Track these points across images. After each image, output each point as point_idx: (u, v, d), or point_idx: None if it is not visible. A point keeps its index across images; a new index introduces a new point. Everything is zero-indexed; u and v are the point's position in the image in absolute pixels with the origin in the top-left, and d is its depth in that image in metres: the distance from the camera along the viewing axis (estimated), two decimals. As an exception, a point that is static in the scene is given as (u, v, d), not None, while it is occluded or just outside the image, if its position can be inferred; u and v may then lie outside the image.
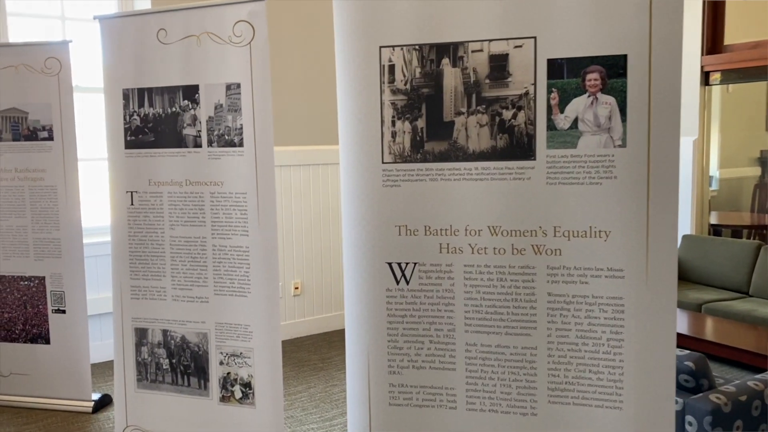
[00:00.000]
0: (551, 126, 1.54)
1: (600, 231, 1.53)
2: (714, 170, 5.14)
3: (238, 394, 2.49)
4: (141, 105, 2.52)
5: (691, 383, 2.18)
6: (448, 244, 1.62)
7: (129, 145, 2.55)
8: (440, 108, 1.59)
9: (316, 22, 4.10)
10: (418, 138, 1.61)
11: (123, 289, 2.60)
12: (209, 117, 2.43)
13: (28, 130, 3.08)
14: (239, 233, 2.43)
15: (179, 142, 2.47)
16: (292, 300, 4.20)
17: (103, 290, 3.59)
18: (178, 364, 2.57)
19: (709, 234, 4.96)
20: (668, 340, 1.52)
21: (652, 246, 1.51)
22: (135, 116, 2.53)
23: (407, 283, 1.64)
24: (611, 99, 1.51)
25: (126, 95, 2.54)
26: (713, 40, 4.72)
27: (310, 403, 3.20)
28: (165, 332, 2.57)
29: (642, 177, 1.50)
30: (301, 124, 4.12)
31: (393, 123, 1.62)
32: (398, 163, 1.63)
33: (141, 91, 2.51)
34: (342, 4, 1.63)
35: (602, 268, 1.54)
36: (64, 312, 3.13)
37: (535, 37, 1.53)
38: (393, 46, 1.60)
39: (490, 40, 1.55)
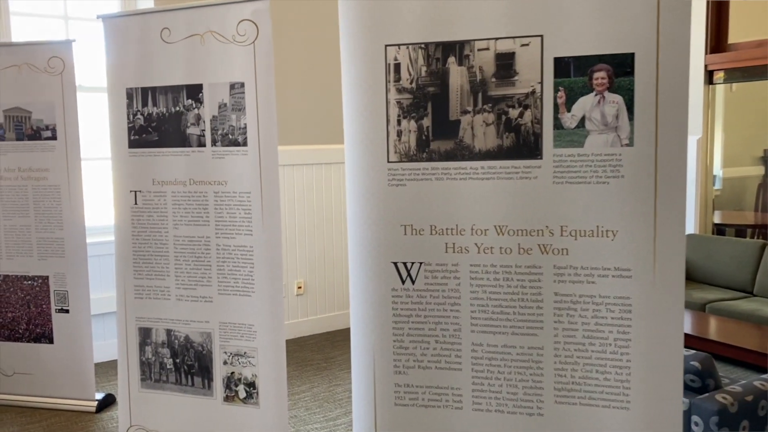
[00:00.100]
0: (558, 125, 1.53)
1: (607, 230, 1.52)
2: (717, 169, 5.13)
3: (242, 394, 2.49)
4: (144, 104, 2.51)
5: (697, 383, 2.17)
6: (454, 244, 1.61)
7: (133, 144, 2.54)
8: (446, 107, 1.59)
9: (320, 21, 4.10)
10: (423, 137, 1.61)
11: (127, 289, 2.60)
12: (213, 116, 2.42)
13: (32, 130, 3.08)
14: (243, 233, 2.42)
15: (183, 141, 2.47)
16: (295, 299, 4.20)
17: (107, 290, 3.59)
18: (182, 363, 2.57)
19: (713, 233, 4.95)
20: (676, 340, 1.52)
21: (660, 245, 1.50)
22: (138, 115, 2.53)
23: (413, 282, 1.64)
24: (618, 98, 1.50)
25: (129, 94, 2.53)
26: (717, 38, 4.70)
27: (313, 403, 3.20)
28: (169, 332, 2.57)
29: (649, 176, 1.49)
30: (305, 123, 4.12)
31: (398, 122, 1.61)
32: (404, 162, 1.62)
33: (144, 91, 2.51)
34: (348, 2, 1.62)
35: (609, 268, 1.53)
36: (67, 311, 3.12)
37: (541, 36, 1.52)
38: (399, 45, 1.59)
39: (497, 39, 1.54)
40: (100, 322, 3.65)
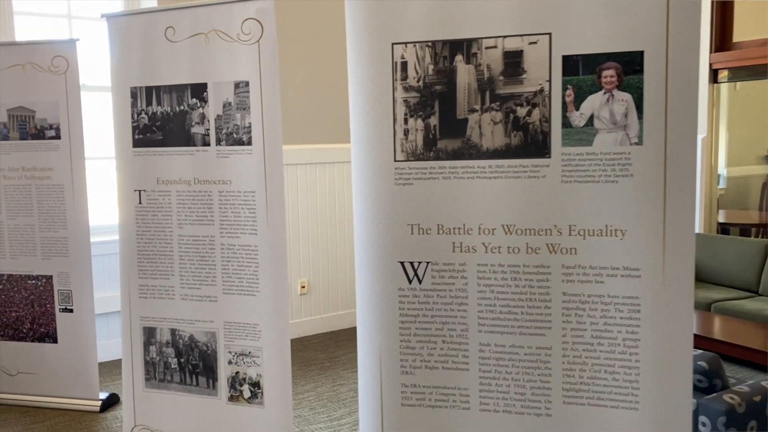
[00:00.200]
0: (566, 123, 1.52)
1: (616, 230, 1.51)
2: (722, 168, 5.11)
3: (247, 394, 2.48)
4: (149, 103, 2.51)
5: (705, 383, 2.16)
6: (461, 243, 1.60)
7: (137, 143, 2.54)
8: (453, 105, 1.58)
9: (325, 19, 4.09)
10: (430, 136, 1.60)
11: (131, 288, 2.59)
12: (217, 115, 2.41)
13: (36, 129, 3.07)
14: (248, 232, 2.41)
15: (187, 140, 2.46)
16: (299, 299, 4.19)
17: (110, 289, 3.58)
18: (187, 363, 2.56)
19: (718, 233, 4.93)
20: (685, 340, 1.51)
21: (669, 245, 1.49)
22: (143, 114, 2.52)
23: (420, 282, 1.63)
24: (627, 96, 1.49)
25: (134, 93, 2.53)
26: (722, 37, 4.68)
27: (317, 403, 3.19)
28: (173, 331, 2.56)
29: (659, 175, 1.48)
30: (309, 122, 4.11)
31: (405, 121, 1.60)
32: (411, 161, 1.61)
33: (149, 90, 2.50)
34: (354, 1, 1.61)
35: (618, 268, 1.52)
36: (71, 311, 3.12)
37: (550, 33, 1.51)
38: (405, 43, 1.58)
39: (505, 37, 1.53)
40: (104, 322, 3.65)
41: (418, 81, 1.59)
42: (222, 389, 2.52)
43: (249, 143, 2.38)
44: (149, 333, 2.59)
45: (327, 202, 4.24)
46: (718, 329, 3.76)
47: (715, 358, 2.20)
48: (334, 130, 4.17)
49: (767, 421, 2.11)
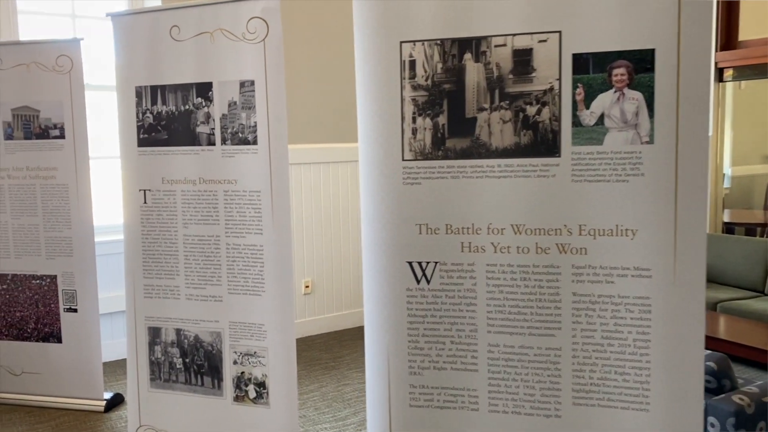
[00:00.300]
0: (576, 122, 1.51)
1: (627, 229, 1.50)
2: (726, 168, 5.09)
3: (252, 394, 2.48)
4: (154, 102, 2.50)
5: (713, 384, 2.15)
6: (470, 243, 1.59)
7: (142, 143, 2.53)
8: (462, 104, 1.56)
9: (330, 18, 4.08)
10: (439, 135, 1.59)
11: (136, 288, 2.58)
12: (223, 114, 2.40)
13: (40, 129, 3.07)
14: (253, 232, 2.41)
15: (193, 140, 2.45)
16: (303, 299, 4.18)
17: (114, 288, 3.58)
18: (192, 363, 2.55)
19: (723, 232, 4.91)
20: (696, 340, 1.49)
21: (680, 245, 1.47)
22: (148, 114, 2.51)
23: (428, 282, 1.62)
24: (638, 94, 1.47)
25: (139, 93, 2.52)
26: (727, 36, 4.66)
27: (322, 403, 3.18)
28: (178, 331, 2.55)
29: (670, 174, 1.47)
30: (312, 121, 4.10)
31: (413, 119, 1.59)
32: (419, 160, 1.60)
33: (154, 89, 2.49)
34: (362, -1, 1.60)
35: (629, 268, 1.51)
36: (75, 311, 3.12)
37: (560, 32, 1.50)
38: (414, 41, 1.57)
39: (514, 35, 1.52)
40: (108, 322, 3.64)
41: (426, 79, 1.57)
42: (227, 389, 2.51)
43: (254, 142, 2.37)
44: (154, 333, 2.59)
45: (331, 202, 4.23)
46: (723, 329, 3.74)
47: (724, 359, 2.18)
48: (338, 130, 4.16)
49: (777, 422, 2.10)
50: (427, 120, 1.58)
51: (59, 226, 3.08)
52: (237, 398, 2.50)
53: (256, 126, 2.36)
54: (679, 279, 1.48)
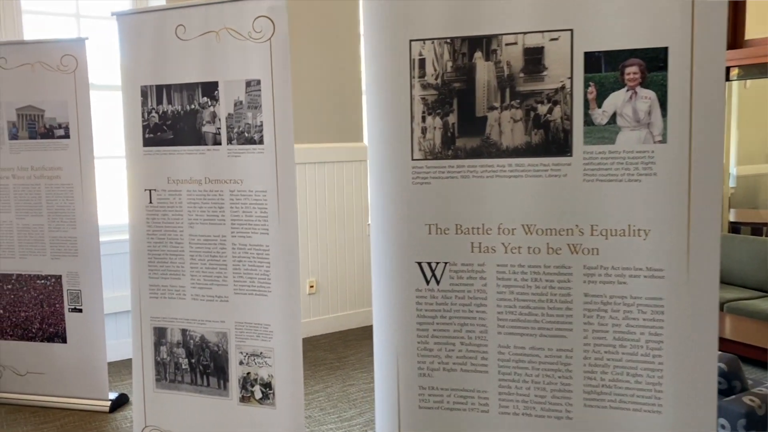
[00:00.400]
0: (588, 121, 1.49)
1: (639, 230, 1.48)
2: (731, 167, 5.06)
3: (258, 395, 2.46)
4: (159, 102, 2.49)
5: (723, 385, 2.13)
6: (480, 244, 1.57)
7: (147, 142, 2.52)
8: (472, 103, 1.55)
9: (334, 17, 4.06)
10: (449, 134, 1.57)
11: (141, 288, 2.57)
12: (229, 114, 2.39)
13: (45, 128, 3.06)
14: (259, 231, 2.39)
15: (198, 139, 2.44)
16: (307, 299, 4.17)
17: (119, 288, 3.57)
18: (198, 364, 2.54)
19: (729, 232, 4.88)
20: (709, 342, 1.48)
21: (694, 245, 1.46)
22: (153, 113, 2.50)
23: (438, 283, 1.60)
24: (651, 93, 1.46)
25: (144, 92, 2.51)
26: (734, 34, 4.64)
27: (327, 403, 3.17)
28: (184, 332, 2.54)
29: (683, 174, 1.45)
30: (317, 121, 4.09)
31: (423, 119, 1.58)
32: (428, 159, 1.59)
33: (159, 88, 2.48)
34: (371, -3, 1.59)
35: (641, 268, 1.49)
36: (80, 311, 3.11)
37: (571, 30, 1.48)
38: (424, 40, 1.55)
39: (525, 33, 1.50)
40: (113, 321, 3.64)
41: (436, 78, 1.56)
42: (233, 390, 2.50)
43: (260, 142, 2.35)
44: (160, 333, 2.58)
45: (336, 202, 4.22)
46: (730, 329, 3.72)
47: (734, 360, 2.16)
48: (341, 129, 4.15)
49: (788, 424, 2.08)
50: (437, 119, 1.57)
51: (64, 225, 3.08)
52: (243, 399, 2.49)
53: (262, 125, 2.35)
54: (693, 279, 1.46)
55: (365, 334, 4.22)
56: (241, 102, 2.37)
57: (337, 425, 2.93)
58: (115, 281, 3.57)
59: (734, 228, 4.97)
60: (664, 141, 1.46)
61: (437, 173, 1.58)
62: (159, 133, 2.50)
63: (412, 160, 1.59)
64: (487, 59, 1.53)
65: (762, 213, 5.35)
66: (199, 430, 2.55)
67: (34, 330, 3.17)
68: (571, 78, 1.49)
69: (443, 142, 1.57)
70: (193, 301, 2.51)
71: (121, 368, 3.56)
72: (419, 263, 1.61)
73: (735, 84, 4.82)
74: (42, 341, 3.15)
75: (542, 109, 1.51)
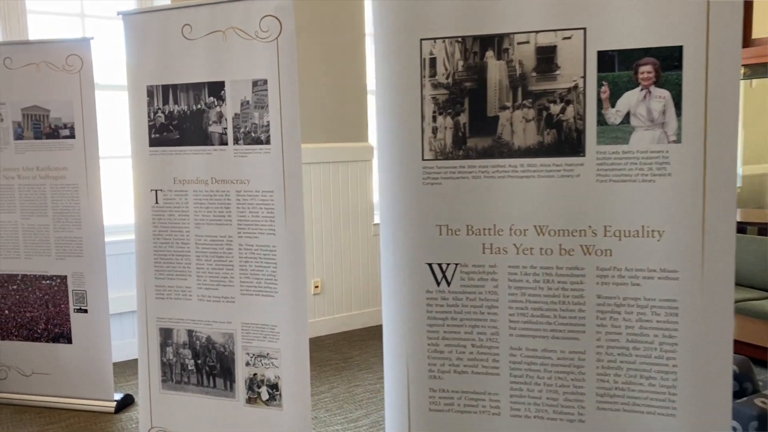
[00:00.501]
0: (602, 121, 1.48)
1: (653, 230, 1.47)
2: (738, 167, 5.03)
3: (265, 396, 2.45)
4: (165, 102, 2.47)
5: (735, 387, 2.11)
6: (491, 245, 1.56)
7: (153, 142, 2.51)
8: (484, 102, 1.53)
9: (341, 17, 4.05)
10: (460, 134, 1.55)
11: (147, 289, 2.56)
12: (235, 114, 2.38)
13: (50, 128, 3.05)
14: (266, 232, 2.38)
15: (205, 139, 2.43)
16: (312, 299, 4.16)
17: (124, 289, 3.56)
18: (204, 365, 2.53)
19: (736, 232, 4.85)
20: (724, 344, 1.46)
21: (708, 246, 1.44)
22: (159, 113, 2.49)
23: (448, 284, 1.59)
24: (665, 92, 1.44)
25: (150, 92, 2.50)
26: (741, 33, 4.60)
27: (333, 404, 3.16)
28: (190, 332, 2.53)
29: (698, 174, 1.43)
30: (323, 121, 4.07)
31: (434, 118, 1.56)
32: (439, 160, 1.57)
33: (165, 88, 2.47)
34: (381, -5, 1.57)
35: (655, 269, 1.47)
36: (86, 311, 3.10)
37: (584, 28, 1.46)
38: (434, 39, 1.54)
39: (537, 32, 1.49)
40: (117, 322, 3.63)
41: (447, 78, 1.54)
42: (240, 391, 2.49)
43: (267, 142, 2.34)
44: (166, 334, 2.57)
45: (340, 201, 4.21)
46: (737, 330, 3.70)
47: (746, 361, 2.15)
48: (345, 129, 4.14)
49: (800, 426, 2.06)
50: (448, 119, 1.55)
51: (69, 226, 3.07)
52: (249, 400, 2.48)
53: (268, 125, 2.33)
54: (707, 281, 1.45)
55: (370, 334, 4.20)
56: (247, 102, 2.36)
57: (344, 426, 2.92)
58: (119, 281, 3.56)
59: (740, 228, 4.94)
60: (678, 141, 1.44)
61: (448, 173, 1.57)
62: (165, 133, 2.49)
63: (423, 160, 1.58)
64: (499, 58, 1.51)
65: (767, 213, 5.32)
66: (205, 431, 2.54)
67: (39, 330, 3.16)
68: (584, 77, 1.47)
69: (454, 142, 1.56)
70: (200, 302, 2.50)
71: (125, 369, 3.55)
72: (430, 264, 1.59)
73: (741, 83, 4.79)
74: (47, 342, 3.15)
75: (555, 108, 1.49)
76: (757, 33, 4.58)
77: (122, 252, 3.53)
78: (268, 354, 2.43)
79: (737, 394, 2.11)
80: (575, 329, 1.53)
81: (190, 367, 2.55)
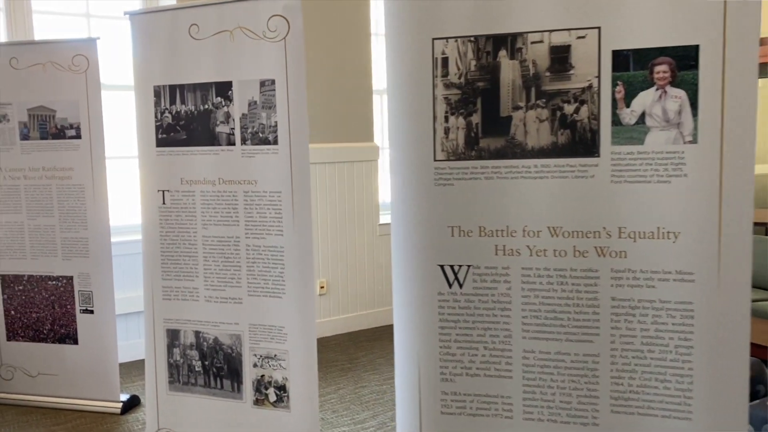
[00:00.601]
0: (616, 121, 1.46)
1: (668, 232, 1.45)
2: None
3: (273, 397, 2.44)
4: (173, 102, 2.46)
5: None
6: (504, 246, 1.54)
7: (160, 143, 2.50)
8: (497, 102, 1.52)
9: (346, 16, 4.04)
10: (472, 134, 1.54)
11: (154, 290, 2.55)
12: (243, 114, 2.37)
13: (56, 129, 3.04)
14: (273, 233, 2.37)
15: (212, 140, 2.42)
16: (318, 299, 4.15)
17: (130, 289, 3.56)
18: (211, 366, 2.52)
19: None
20: (741, 347, 1.44)
21: (725, 248, 1.42)
22: (166, 114, 2.48)
23: (460, 286, 1.57)
24: (681, 92, 1.42)
25: (157, 92, 2.48)
26: (748, 32, 4.58)
27: (340, 405, 3.14)
28: (197, 334, 2.52)
29: (714, 175, 1.41)
30: (328, 120, 4.06)
31: (446, 119, 1.55)
32: (451, 160, 1.56)
33: (173, 88, 2.46)
34: (392, -6, 1.56)
35: (670, 272, 1.46)
36: (92, 312, 3.09)
37: (599, 27, 1.45)
38: (447, 38, 1.52)
39: (551, 31, 1.47)
40: (123, 322, 3.62)
41: (459, 77, 1.53)
42: (247, 393, 2.48)
43: (275, 142, 2.33)
44: (173, 335, 2.56)
45: (346, 202, 4.20)
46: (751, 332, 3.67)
47: (758, 363, 2.13)
48: (353, 129, 4.13)
49: (813, 429, 2.04)
50: (460, 119, 1.54)
51: (75, 226, 3.06)
52: (257, 402, 2.46)
53: (276, 126, 2.32)
54: (723, 283, 1.43)
55: (376, 335, 4.19)
56: (255, 102, 2.35)
57: (351, 428, 2.91)
58: (124, 282, 3.56)
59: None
60: (694, 141, 1.42)
61: (460, 174, 1.55)
62: (172, 134, 2.48)
63: (435, 161, 1.56)
64: (512, 58, 1.50)
65: (774, 213, 5.29)
66: (213, 433, 2.53)
67: (45, 331, 3.15)
68: (598, 77, 1.46)
69: (467, 143, 1.54)
70: (207, 303, 2.49)
71: (131, 369, 3.54)
72: (442, 266, 1.58)
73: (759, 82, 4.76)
74: (53, 342, 3.14)
75: (569, 108, 1.47)
76: (764, 32, 4.56)
77: (128, 252, 3.52)
78: (275, 355, 2.42)
79: (749, 397, 2.09)
80: (589, 332, 1.51)
81: (197, 369, 2.54)
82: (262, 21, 2.29)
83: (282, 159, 2.32)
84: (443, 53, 1.53)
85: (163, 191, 2.51)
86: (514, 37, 1.49)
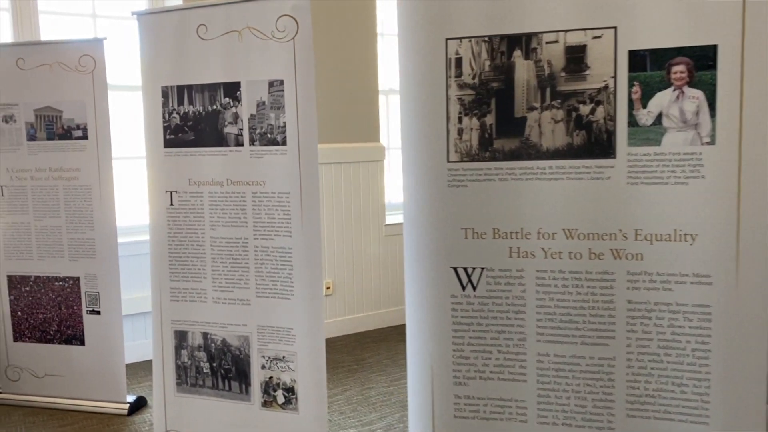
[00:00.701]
0: (633, 122, 1.44)
1: (686, 234, 1.43)
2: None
3: (281, 399, 2.43)
4: (180, 103, 2.45)
5: (761, 393, 2.07)
6: (518, 248, 1.53)
7: (168, 144, 2.49)
8: (511, 103, 1.50)
9: (353, 17, 4.02)
10: (486, 135, 1.52)
11: (162, 291, 2.54)
12: (251, 115, 2.35)
13: (63, 129, 3.04)
14: (282, 234, 2.36)
15: (220, 140, 2.41)
16: (324, 300, 4.14)
17: (136, 290, 3.55)
18: (219, 367, 2.51)
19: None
20: (759, 350, 1.42)
21: (743, 250, 1.40)
22: (174, 114, 2.47)
23: (474, 289, 1.56)
24: (699, 93, 1.40)
25: (165, 93, 2.47)
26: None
27: (347, 407, 3.13)
28: (205, 335, 2.51)
29: (732, 176, 1.40)
30: (334, 121, 4.05)
31: (460, 119, 1.53)
32: (465, 162, 1.54)
33: (180, 89, 2.45)
34: (406, -6, 1.54)
35: (687, 274, 1.44)
36: (98, 313, 3.09)
37: (615, 27, 1.43)
38: (460, 38, 1.51)
39: (567, 31, 1.45)
40: (129, 323, 3.62)
41: (473, 78, 1.51)
42: (255, 394, 2.46)
43: (283, 143, 2.32)
44: (181, 336, 2.55)
45: (352, 202, 4.18)
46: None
47: None
48: (359, 129, 4.11)
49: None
50: (474, 120, 1.52)
51: (82, 227, 3.05)
52: (265, 403, 2.45)
53: (285, 126, 2.31)
54: (742, 286, 1.41)
55: (382, 336, 4.17)
56: (263, 102, 2.33)
57: (358, 429, 2.90)
58: (131, 283, 3.55)
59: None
60: (712, 142, 1.41)
61: (474, 176, 1.54)
62: (180, 134, 2.47)
63: (448, 162, 1.55)
64: (527, 58, 1.48)
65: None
66: (221, 434, 2.52)
67: (52, 332, 3.15)
68: (614, 77, 1.44)
69: (480, 144, 1.53)
70: (215, 304, 2.48)
71: (138, 370, 3.53)
72: (455, 268, 1.56)
73: None
74: (60, 343, 3.13)
75: (584, 109, 1.46)
76: None
77: (135, 253, 3.51)
78: (284, 357, 2.41)
79: None
80: (605, 335, 1.49)
81: (205, 370, 2.53)
82: (270, 21, 2.28)
83: (290, 160, 2.31)
84: (457, 53, 1.52)
85: (171, 192, 2.50)
86: (529, 37, 1.48)
